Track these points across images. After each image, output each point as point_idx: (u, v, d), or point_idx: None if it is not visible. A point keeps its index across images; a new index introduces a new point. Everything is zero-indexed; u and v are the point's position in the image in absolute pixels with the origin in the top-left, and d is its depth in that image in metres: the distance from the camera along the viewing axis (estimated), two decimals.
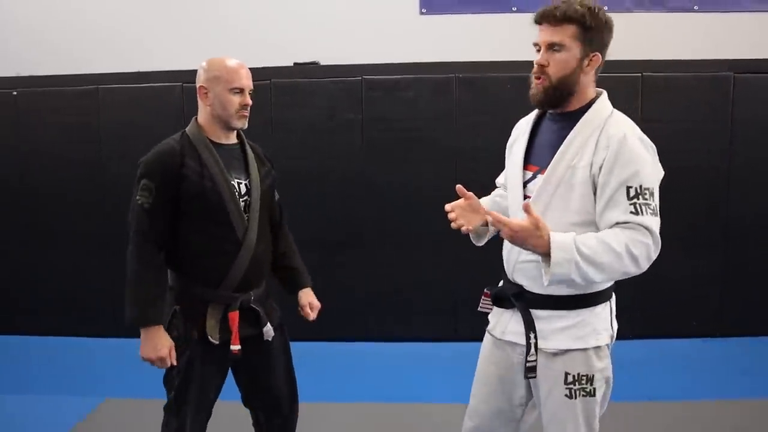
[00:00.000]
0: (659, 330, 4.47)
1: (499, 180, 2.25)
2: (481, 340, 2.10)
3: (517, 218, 1.69)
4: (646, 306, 4.43)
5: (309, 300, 2.45)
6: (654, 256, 1.66)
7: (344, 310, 4.48)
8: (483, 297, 2.04)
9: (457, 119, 4.36)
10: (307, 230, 4.51)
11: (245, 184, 2.21)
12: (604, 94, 1.83)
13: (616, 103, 1.84)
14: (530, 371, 1.80)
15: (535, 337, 1.80)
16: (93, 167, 4.54)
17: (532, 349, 1.79)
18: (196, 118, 2.20)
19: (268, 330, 2.25)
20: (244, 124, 2.19)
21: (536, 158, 1.85)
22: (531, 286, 1.85)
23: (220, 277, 2.15)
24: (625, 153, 1.68)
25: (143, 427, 3.18)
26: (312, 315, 2.43)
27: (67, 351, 4.46)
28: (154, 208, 2.06)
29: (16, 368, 4.18)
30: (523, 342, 1.84)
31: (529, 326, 1.82)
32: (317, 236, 4.40)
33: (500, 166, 2.18)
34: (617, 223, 1.66)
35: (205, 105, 2.16)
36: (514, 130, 2.07)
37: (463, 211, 1.94)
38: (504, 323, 1.95)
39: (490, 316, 2.04)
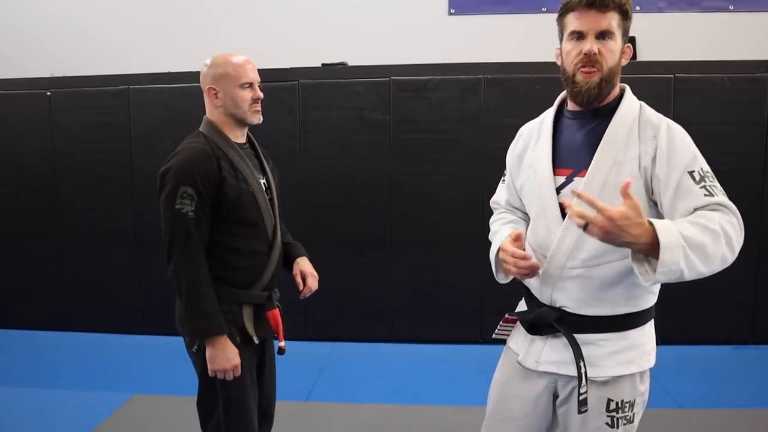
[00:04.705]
0: (690, 336, 4.38)
1: (498, 199, 2.04)
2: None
3: (606, 206, 1.37)
4: (677, 311, 4.34)
5: (302, 267, 2.25)
6: (742, 239, 1.52)
7: (369, 311, 4.50)
8: (502, 322, 1.89)
9: (485, 120, 4.32)
10: (333, 231, 4.55)
11: (264, 182, 2.17)
12: (628, 87, 1.71)
13: (649, 105, 1.78)
14: (583, 404, 1.61)
15: (584, 366, 1.62)
16: (123, 166, 4.60)
17: (584, 380, 1.61)
18: (210, 121, 2.12)
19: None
20: (258, 118, 2.12)
21: (565, 161, 1.69)
22: (575, 307, 1.66)
23: (255, 278, 2.10)
24: (675, 139, 1.57)
25: (170, 423, 3.23)
26: (304, 285, 2.21)
27: (96, 347, 4.52)
28: (198, 215, 1.96)
29: (45, 364, 4.24)
30: (560, 372, 1.69)
31: (578, 354, 1.63)
32: (344, 237, 4.41)
33: None
34: (696, 210, 1.51)
35: (216, 106, 2.09)
36: (518, 137, 1.95)
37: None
38: (536, 352, 1.75)
39: (514, 345, 1.84)
